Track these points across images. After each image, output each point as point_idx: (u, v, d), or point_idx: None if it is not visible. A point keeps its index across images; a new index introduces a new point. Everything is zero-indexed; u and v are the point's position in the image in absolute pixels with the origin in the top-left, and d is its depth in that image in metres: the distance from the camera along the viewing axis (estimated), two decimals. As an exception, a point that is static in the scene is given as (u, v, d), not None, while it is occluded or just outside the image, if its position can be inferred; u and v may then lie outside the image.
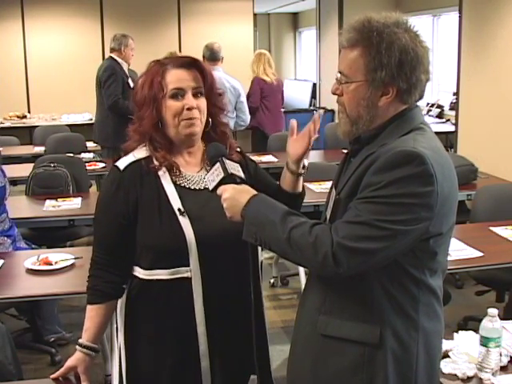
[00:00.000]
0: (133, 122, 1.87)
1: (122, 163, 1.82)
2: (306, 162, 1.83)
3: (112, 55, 5.82)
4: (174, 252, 1.75)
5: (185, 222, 1.76)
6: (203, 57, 5.30)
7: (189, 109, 1.79)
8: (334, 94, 1.58)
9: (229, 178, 1.71)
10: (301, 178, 1.86)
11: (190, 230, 1.75)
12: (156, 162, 1.81)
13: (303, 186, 1.91)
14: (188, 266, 1.75)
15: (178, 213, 1.76)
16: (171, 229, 1.75)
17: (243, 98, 5.44)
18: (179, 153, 1.86)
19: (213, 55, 5.22)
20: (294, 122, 1.80)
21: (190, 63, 1.83)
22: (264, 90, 6.25)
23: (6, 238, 3.47)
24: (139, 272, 1.81)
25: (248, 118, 5.61)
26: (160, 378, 1.82)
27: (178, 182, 1.82)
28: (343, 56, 1.54)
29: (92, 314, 1.83)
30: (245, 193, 1.58)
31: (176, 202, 1.78)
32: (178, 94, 1.79)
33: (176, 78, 1.80)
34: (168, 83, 1.79)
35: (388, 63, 1.46)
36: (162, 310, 1.79)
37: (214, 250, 1.77)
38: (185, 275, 1.76)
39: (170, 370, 1.81)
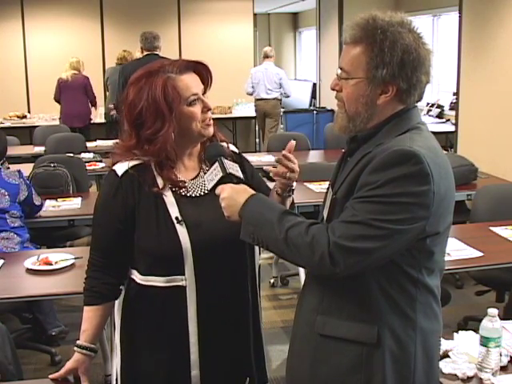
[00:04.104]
0: (129, 139, 1.79)
1: (120, 169, 1.78)
2: (294, 184, 1.78)
3: (158, 53, 5.63)
4: (170, 260, 1.74)
5: (182, 231, 1.74)
6: (262, 56, 8.40)
7: (208, 110, 1.79)
8: (332, 89, 1.58)
9: (227, 178, 1.71)
10: (288, 199, 1.81)
11: (186, 238, 1.73)
12: (159, 181, 1.77)
13: (292, 202, 1.84)
14: (183, 274, 1.74)
15: (175, 221, 1.74)
16: (168, 236, 1.73)
17: (283, 81, 8.28)
18: (180, 158, 1.83)
19: (266, 55, 8.37)
20: (292, 143, 1.73)
21: (191, 66, 1.81)
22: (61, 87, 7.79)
23: (14, 235, 3.48)
24: (136, 276, 1.80)
25: (289, 92, 8.44)
26: (153, 381, 1.81)
27: (176, 191, 1.79)
28: (345, 52, 1.53)
29: (89, 315, 1.82)
30: (243, 192, 1.58)
31: (174, 210, 1.75)
32: (195, 99, 1.77)
33: (188, 83, 1.76)
34: (183, 91, 1.75)
35: (390, 62, 1.46)
36: (157, 316, 1.78)
37: (210, 259, 1.75)
38: (180, 284, 1.74)
39: (163, 376, 1.80)
